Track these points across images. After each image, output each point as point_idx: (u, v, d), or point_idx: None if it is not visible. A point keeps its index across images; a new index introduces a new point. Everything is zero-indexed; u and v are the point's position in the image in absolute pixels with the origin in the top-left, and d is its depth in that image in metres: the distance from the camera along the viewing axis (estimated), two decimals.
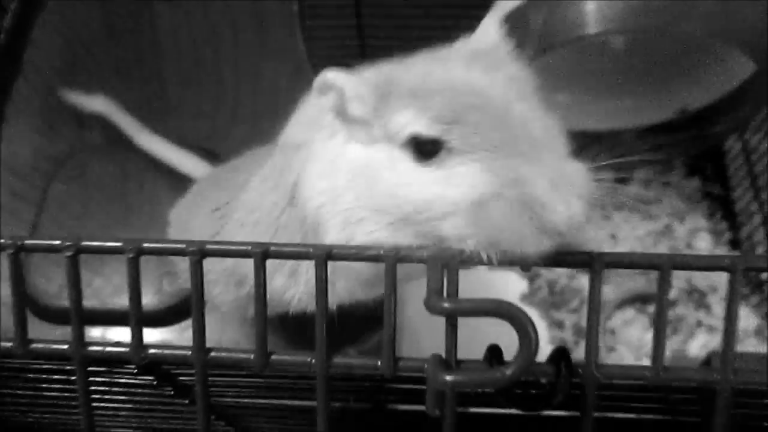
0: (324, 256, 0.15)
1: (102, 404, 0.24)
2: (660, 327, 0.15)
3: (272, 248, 0.16)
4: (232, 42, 0.44)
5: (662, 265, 0.15)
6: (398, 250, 0.15)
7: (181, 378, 0.22)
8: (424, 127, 0.22)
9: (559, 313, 0.62)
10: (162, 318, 0.35)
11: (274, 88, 0.42)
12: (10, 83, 0.44)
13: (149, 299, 0.35)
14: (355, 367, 0.15)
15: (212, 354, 0.17)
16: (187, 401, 0.21)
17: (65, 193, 0.34)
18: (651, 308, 0.65)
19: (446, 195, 0.19)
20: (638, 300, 0.61)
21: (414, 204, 0.20)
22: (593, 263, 0.14)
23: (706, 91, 0.65)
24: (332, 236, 0.21)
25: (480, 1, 0.58)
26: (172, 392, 0.21)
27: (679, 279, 0.63)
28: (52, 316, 0.34)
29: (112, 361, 0.21)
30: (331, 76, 0.24)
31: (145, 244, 0.17)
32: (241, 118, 0.42)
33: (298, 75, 0.43)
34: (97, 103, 0.43)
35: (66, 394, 0.24)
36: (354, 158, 0.22)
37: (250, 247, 0.16)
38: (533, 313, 0.60)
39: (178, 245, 0.17)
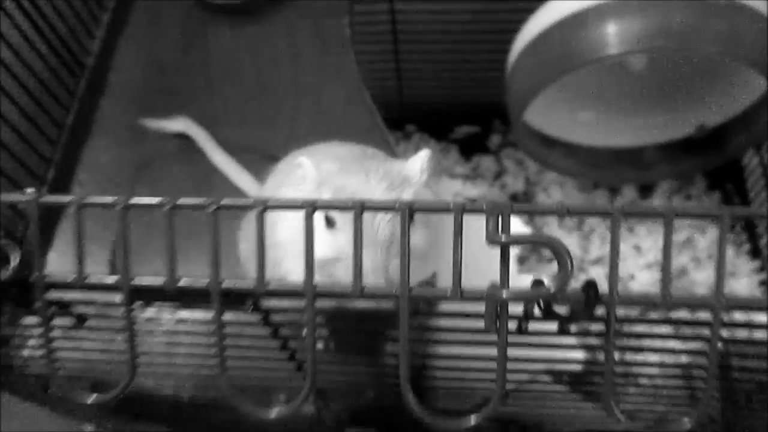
0: (407, 209, 0.20)
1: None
2: (666, 263, 0.20)
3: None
4: (292, 63, 0.50)
5: (668, 215, 0.19)
6: (464, 204, 0.20)
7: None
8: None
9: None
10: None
11: (331, 106, 0.47)
12: (97, 101, 0.50)
13: None
14: (432, 295, 0.20)
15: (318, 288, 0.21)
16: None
17: (147, 194, 0.39)
18: None
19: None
20: None
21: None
22: (614, 213, 0.19)
23: (723, 108, 0.69)
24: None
25: (507, 26, 0.64)
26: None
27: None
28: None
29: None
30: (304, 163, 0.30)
31: (223, 201, 0.21)
32: (299, 134, 0.47)
33: (354, 94, 0.48)
34: (178, 124, 0.48)
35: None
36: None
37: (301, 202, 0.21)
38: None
39: (248, 203, 0.22)
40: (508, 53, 0.65)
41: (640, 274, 0.71)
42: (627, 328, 0.32)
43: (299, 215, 0.28)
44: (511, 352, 0.21)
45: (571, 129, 0.74)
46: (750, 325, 0.23)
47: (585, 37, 0.57)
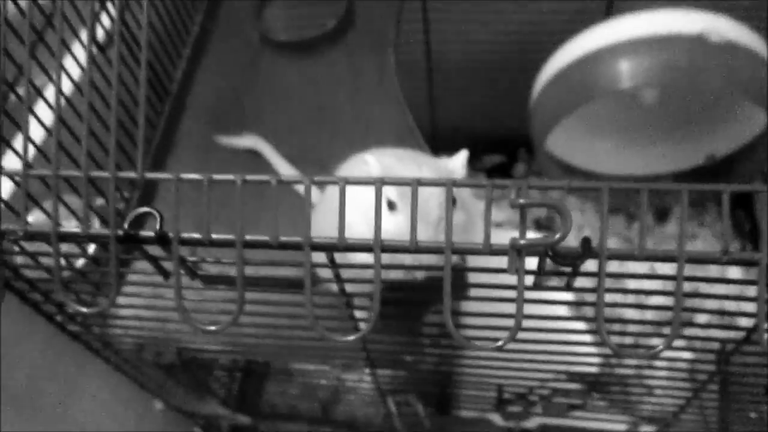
0: (452, 183, 0.27)
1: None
2: (642, 226, 0.27)
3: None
4: (347, 89, 0.58)
5: (641, 190, 0.27)
6: (493, 181, 0.27)
7: None
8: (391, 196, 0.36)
9: None
10: None
11: (381, 125, 0.55)
12: (179, 120, 0.59)
13: None
14: (469, 248, 0.27)
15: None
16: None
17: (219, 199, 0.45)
18: None
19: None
20: None
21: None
22: (602, 188, 0.26)
23: (730, 139, 0.75)
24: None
25: (531, 63, 0.71)
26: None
27: None
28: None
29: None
30: (369, 159, 0.38)
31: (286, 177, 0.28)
32: (354, 150, 0.54)
33: (399, 116, 0.55)
34: (247, 141, 0.54)
35: None
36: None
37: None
38: None
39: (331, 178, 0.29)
40: (532, 87, 0.73)
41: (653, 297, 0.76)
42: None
43: (365, 199, 0.36)
44: (528, 309, 0.28)
45: (590, 158, 0.81)
46: (706, 279, 0.30)
47: (600, 72, 0.64)
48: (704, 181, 0.80)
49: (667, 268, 0.72)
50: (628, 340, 0.69)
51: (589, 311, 0.73)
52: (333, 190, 0.46)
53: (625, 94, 0.71)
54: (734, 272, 0.75)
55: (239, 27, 0.64)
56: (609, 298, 0.70)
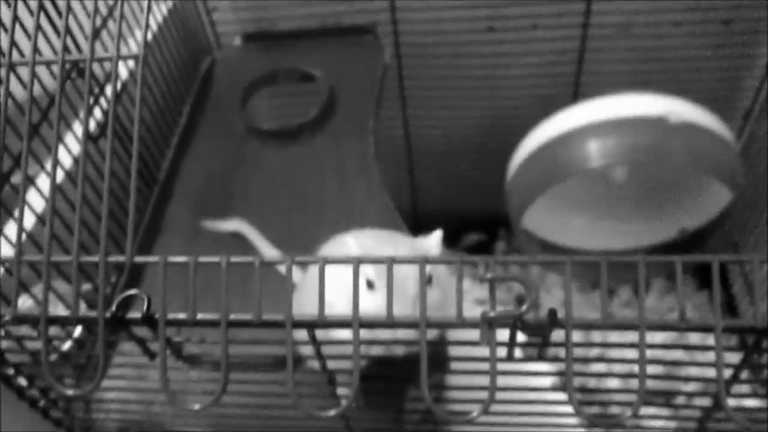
0: (424, 261, 0.29)
1: None
2: (603, 295, 0.28)
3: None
4: (330, 175, 0.60)
5: (600, 261, 0.28)
6: (462, 257, 0.29)
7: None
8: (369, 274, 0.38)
9: None
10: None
11: (363, 210, 0.57)
12: (166, 206, 0.61)
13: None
14: (443, 320, 0.29)
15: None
16: None
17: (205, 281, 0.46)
18: None
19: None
20: None
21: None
22: (566, 261, 0.28)
23: (699, 213, 0.78)
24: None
25: (506, 146, 0.74)
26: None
27: None
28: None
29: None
30: (349, 240, 0.41)
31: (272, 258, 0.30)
32: (337, 232, 0.56)
33: (380, 202, 0.57)
34: (232, 225, 0.56)
35: None
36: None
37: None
38: None
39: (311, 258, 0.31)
40: (507, 168, 0.76)
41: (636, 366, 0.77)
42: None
43: (345, 278, 0.37)
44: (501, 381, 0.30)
45: (566, 234, 0.83)
46: (672, 346, 0.31)
47: (571, 152, 0.67)
48: (678, 252, 0.82)
49: (658, 338, 0.73)
50: (615, 409, 0.69)
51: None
52: (315, 271, 0.47)
53: (596, 173, 0.74)
54: (711, 354, 0.76)
55: (225, 117, 0.67)
56: (595, 368, 0.71)
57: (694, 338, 0.77)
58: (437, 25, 0.72)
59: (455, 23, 0.72)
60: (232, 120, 0.66)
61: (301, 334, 0.32)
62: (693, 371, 0.61)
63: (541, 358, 0.31)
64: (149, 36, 0.62)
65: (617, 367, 0.70)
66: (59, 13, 0.43)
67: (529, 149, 0.72)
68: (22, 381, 0.42)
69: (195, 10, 0.72)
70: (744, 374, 0.33)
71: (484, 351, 0.30)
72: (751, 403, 0.60)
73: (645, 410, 0.68)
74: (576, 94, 0.77)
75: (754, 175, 0.72)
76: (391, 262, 0.29)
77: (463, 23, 0.71)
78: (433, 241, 0.41)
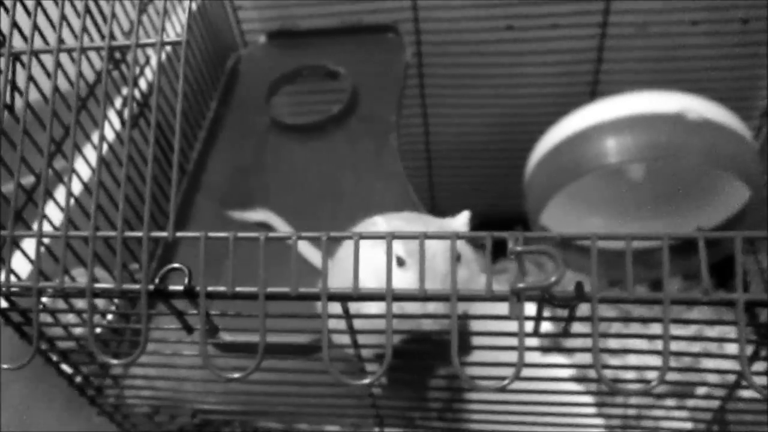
0: (455, 236, 0.30)
1: None
2: (628, 273, 0.29)
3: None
4: (351, 168, 0.61)
5: (626, 240, 0.29)
6: (492, 233, 0.30)
7: None
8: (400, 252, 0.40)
9: None
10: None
11: (384, 203, 0.58)
12: (194, 197, 0.62)
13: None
14: (473, 294, 0.30)
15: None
16: None
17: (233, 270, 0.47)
18: None
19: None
20: None
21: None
22: (591, 237, 0.29)
23: (716, 212, 0.78)
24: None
25: (523, 144, 0.75)
26: None
27: None
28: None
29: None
30: (378, 220, 0.42)
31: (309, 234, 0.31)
32: (357, 224, 0.58)
33: (402, 193, 0.59)
34: (259, 215, 0.57)
35: None
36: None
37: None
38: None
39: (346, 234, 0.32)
40: (525, 166, 0.77)
41: (653, 361, 0.77)
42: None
43: (375, 258, 0.38)
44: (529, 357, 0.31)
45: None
46: (692, 321, 0.32)
47: (588, 150, 0.68)
48: (695, 253, 0.83)
49: (678, 332, 0.73)
50: (631, 411, 0.70)
51: (590, 379, 0.74)
52: (344, 253, 0.48)
53: (613, 171, 0.75)
54: (731, 348, 0.77)
55: (250, 112, 0.69)
56: (610, 373, 0.71)
57: (711, 334, 0.77)
58: (457, 24, 0.73)
59: (475, 22, 0.73)
60: (257, 115, 0.68)
61: (334, 311, 0.33)
62: (710, 364, 0.62)
63: (566, 333, 0.32)
64: (179, 29, 0.64)
65: (632, 361, 0.71)
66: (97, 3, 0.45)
67: (547, 147, 0.73)
68: (58, 357, 0.43)
69: (222, 8, 0.74)
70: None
71: (508, 327, 0.32)
72: (764, 381, 0.60)
73: (664, 402, 0.68)
74: (594, 92, 0.78)
75: None
76: (423, 237, 0.31)
77: (482, 22, 0.73)
78: (460, 221, 0.42)
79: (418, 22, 0.73)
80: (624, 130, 0.67)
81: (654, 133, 0.66)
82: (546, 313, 0.32)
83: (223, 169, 0.64)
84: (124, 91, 0.55)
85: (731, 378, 0.70)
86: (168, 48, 0.48)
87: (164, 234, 0.33)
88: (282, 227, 0.56)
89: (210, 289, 0.32)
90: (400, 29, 0.73)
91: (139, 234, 0.33)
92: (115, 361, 0.33)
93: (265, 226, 0.58)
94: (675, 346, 0.43)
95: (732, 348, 0.78)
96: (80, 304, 0.40)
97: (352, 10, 0.73)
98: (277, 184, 0.62)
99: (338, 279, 0.38)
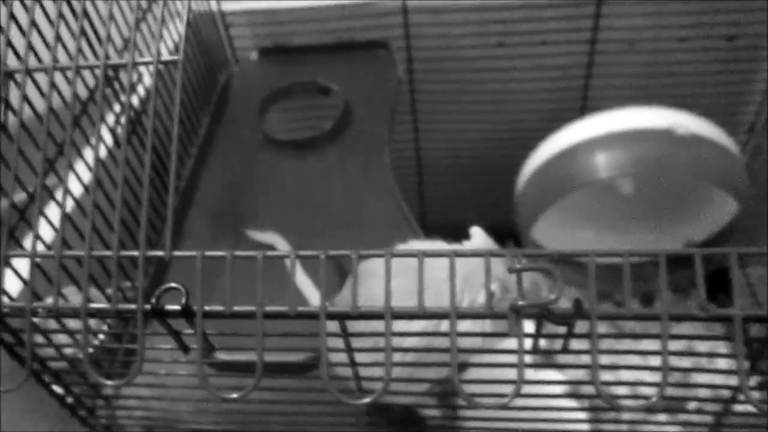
0: (453, 255, 0.30)
1: None
2: (627, 289, 0.29)
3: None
4: (344, 184, 0.61)
5: (623, 257, 0.30)
6: (491, 250, 0.30)
7: None
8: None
9: None
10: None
11: (376, 218, 0.58)
12: (185, 214, 0.62)
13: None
14: (473, 312, 0.30)
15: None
16: None
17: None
18: None
19: None
20: None
21: None
22: (591, 254, 0.29)
23: (705, 225, 0.79)
24: None
25: (514, 160, 0.76)
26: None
27: None
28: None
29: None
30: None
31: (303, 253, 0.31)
32: (349, 240, 0.57)
33: (394, 208, 0.58)
34: (268, 237, 0.57)
35: None
36: None
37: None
38: None
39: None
40: (517, 181, 0.77)
41: (647, 378, 0.77)
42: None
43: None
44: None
45: (574, 246, 0.84)
46: (686, 337, 0.33)
47: (578, 165, 0.68)
48: (685, 267, 0.83)
49: (672, 346, 0.73)
50: (624, 427, 0.70)
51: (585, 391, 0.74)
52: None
53: (603, 185, 0.76)
54: (722, 363, 0.77)
55: (243, 129, 0.68)
56: (605, 377, 0.72)
57: (702, 348, 0.78)
58: (449, 41, 0.74)
59: (466, 38, 0.73)
60: (249, 132, 0.68)
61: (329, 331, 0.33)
62: (704, 379, 0.62)
63: (565, 350, 0.32)
64: (172, 47, 0.64)
65: (625, 376, 0.71)
66: (90, 21, 0.45)
67: (538, 162, 0.73)
68: (50, 378, 0.43)
69: (213, 25, 0.74)
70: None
71: (506, 345, 0.32)
72: (758, 396, 0.61)
73: (658, 417, 0.68)
74: (584, 108, 0.78)
75: (758, 188, 0.73)
76: (421, 255, 0.31)
77: (474, 38, 0.73)
78: (477, 240, 0.42)
79: (409, 39, 0.74)
80: (614, 145, 0.68)
81: (643, 147, 0.67)
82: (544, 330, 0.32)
83: (216, 185, 0.63)
84: (116, 107, 0.55)
85: (724, 392, 0.71)
86: (161, 66, 0.48)
87: (161, 253, 0.33)
88: (286, 249, 0.56)
89: (208, 308, 0.32)
90: (391, 46, 0.73)
91: (135, 253, 0.33)
92: (110, 383, 0.32)
93: (262, 247, 0.57)
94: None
95: (722, 362, 0.78)
96: (72, 323, 0.39)
97: (343, 26, 0.74)
98: (269, 200, 0.62)
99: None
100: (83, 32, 0.34)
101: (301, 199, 0.62)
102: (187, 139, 0.66)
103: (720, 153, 0.68)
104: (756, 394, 0.30)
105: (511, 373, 0.30)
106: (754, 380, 0.62)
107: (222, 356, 0.41)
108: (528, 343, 0.32)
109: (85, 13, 0.44)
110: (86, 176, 0.52)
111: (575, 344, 0.32)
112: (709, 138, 0.67)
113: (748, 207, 0.72)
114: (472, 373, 0.38)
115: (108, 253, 0.33)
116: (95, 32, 0.47)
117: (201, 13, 0.71)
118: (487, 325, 0.39)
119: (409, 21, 0.72)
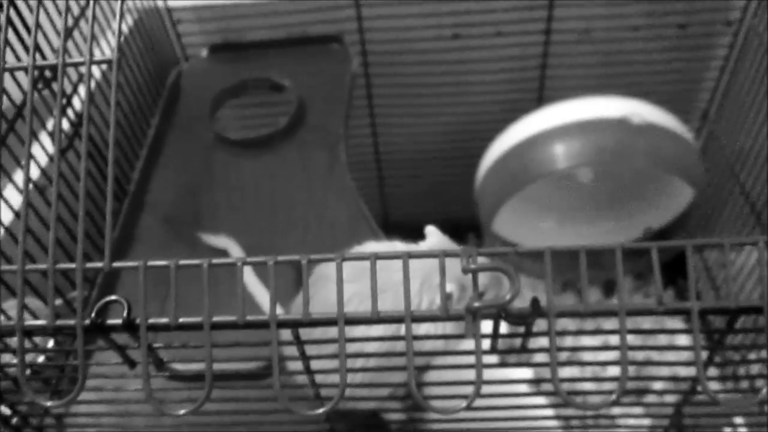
0: (407, 257, 0.29)
1: None
2: (584, 285, 0.29)
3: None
4: (301, 183, 0.60)
5: (579, 251, 0.29)
6: (445, 250, 0.29)
7: None
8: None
9: None
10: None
11: (336, 217, 0.57)
12: (137, 218, 0.60)
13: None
14: (428, 314, 0.29)
15: None
16: None
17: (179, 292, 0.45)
18: None
19: None
20: None
21: None
22: (547, 251, 0.28)
23: (663, 212, 0.80)
24: None
25: (473, 152, 0.75)
26: None
27: None
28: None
29: None
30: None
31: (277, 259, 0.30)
32: (308, 240, 0.56)
33: (353, 207, 0.57)
34: (221, 242, 0.55)
35: None
36: None
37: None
38: None
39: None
40: (476, 173, 0.77)
41: (610, 368, 0.78)
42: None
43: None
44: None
45: (536, 237, 0.84)
46: (653, 331, 0.32)
47: (537, 156, 0.68)
48: (645, 253, 0.84)
49: (629, 338, 0.74)
50: (589, 412, 0.70)
51: (547, 387, 0.74)
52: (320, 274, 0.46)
53: (562, 175, 0.76)
54: (683, 340, 0.78)
55: (194, 128, 0.66)
56: (567, 372, 0.72)
57: (662, 339, 0.79)
58: (403, 33, 0.73)
59: (421, 31, 0.72)
60: (200, 131, 0.66)
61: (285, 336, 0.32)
62: (663, 371, 0.63)
63: (524, 349, 0.31)
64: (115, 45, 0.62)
65: (587, 371, 0.71)
66: (23, 21, 0.42)
67: (496, 154, 0.73)
68: None
69: (160, 23, 0.72)
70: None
71: (466, 346, 0.31)
72: (716, 386, 0.61)
73: (617, 410, 0.69)
74: (540, 98, 0.78)
75: (712, 174, 0.74)
76: (374, 257, 0.30)
77: (428, 31, 0.73)
78: (432, 239, 0.42)
79: (363, 33, 0.72)
80: (571, 136, 0.68)
81: (600, 137, 0.67)
82: (503, 329, 0.31)
83: (168, 187, 0.61)
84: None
85: (683, 372, 0.72)
86: (104, 66, 0.46)
87: (99, 265, 0.31)
88: (237, 255, 0.54)
89: (152, 321, 0.30)
90: (345, 40, 0.72)
91: (72, 266, 0.31)
92: (49, 403, 0.30)
93: (217, 252, 0.56)
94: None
95: (683, 350, 0.79)
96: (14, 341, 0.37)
97: (296, 21, 0.72)
98: (223, 202, 0.60)
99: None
100: (13, 29, 0.32)
101: (255, 200, 0.60)
102: (135, 140, 0.63)
103: (675, 141, 0.68)
104: (713, 386, 0.30)
105: (472, 374, 0.29)
106: (712, 371, 0.62)
107: (172, 368, 0.40)
108: (486, 344, 0.31)
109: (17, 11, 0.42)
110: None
111: (536, 340, 0.32)
112: (664, 126, 0.68)
113: (704, 193, 0.73)
114: (433, 376, 0.37)
115: (43, 267, 0.31)
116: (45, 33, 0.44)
117: (146, 9, 0.69)
118: (448, 327, 0.38)
119: (362, 14, 0.71)
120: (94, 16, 0.30)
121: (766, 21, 0.61)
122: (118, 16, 0.32)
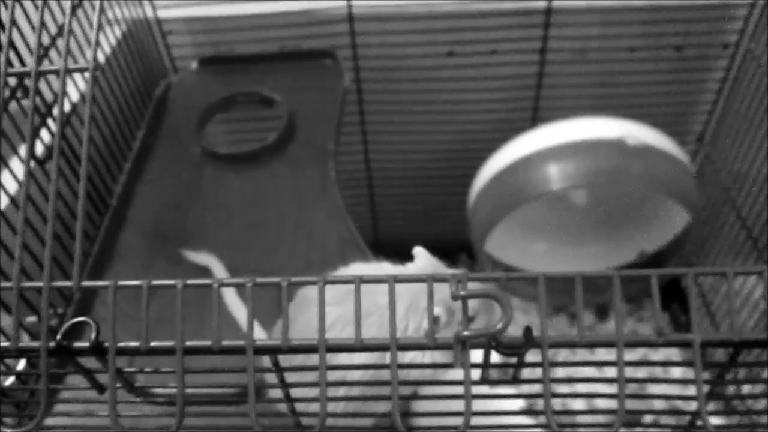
0: (392, 280, 0.27)
1: None
2: (579, 313, 0.27)
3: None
4: (289, 200, 0.58)
5: (575, 277, 0.28)
6: (434, 274, 0.27)
7: None
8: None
9: None
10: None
11: (324, 236, 0.55)
12: (118, 233, 0.58)
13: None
14: (414, 342, 0.27)
15: None
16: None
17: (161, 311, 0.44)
18: None
19: None
20: None
21: None
22: (539, 277, 0.27)
23: (657, 236, 0.79)
24: None
25: (466, 171, 0.74)
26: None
27: None
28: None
29: None
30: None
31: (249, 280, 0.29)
32: (296, 259, 0.55)
33: (341, 226, 0.56)
34: (204, 259, 0.54)
35: None
36: None
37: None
38: None
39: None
40: (469, 193, 0.75)
41: (603, 389, 0.76)
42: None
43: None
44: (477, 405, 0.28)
45: (529, 259, 0.83)
46: (648, 363, 0.31)
47: (531, 176, 0.67)
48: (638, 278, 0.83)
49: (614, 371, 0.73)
50: None
51: (540, 415, 0.72)
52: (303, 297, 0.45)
53: (556, 196, 0.75)
54: (677, 372, 0.77)
55: (180, 141, 0.65)
56: (560, 403, 0.70)
57: (657, 371, 0.77)
58: (397, 50, 0.71)
59: (415, 48, 0.72)
60: (187, 144, 0.64)
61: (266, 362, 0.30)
62: (658, 392, 0.61)
63: (515, 380, 0.30)
64: (101, 57, 0.60)
65: (581, 388, 0.70)
66: (2, 27, 0.41)
67: (490, 174, 0.72)
68: None
69: (150, 34, 0.70)
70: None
71: (455, 374, 0.29)
72: (717, 421, 0.60)
73: None
74: (535, 118, 0.77)
75: (708, 198, 0.73)
76: (358, 281, 0.28)
77: (423, 48, 0.72)
78: (421, 261, 0.40)
79: (356, 48, 0.71)
80: (566, 157, 0.67)
81: (595, 158, 0.66)
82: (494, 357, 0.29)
83: (152, 202, 0.60)
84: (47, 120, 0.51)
85: (679, 404, 0.70)
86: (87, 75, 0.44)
87: (68, 284, 0.29)
88: (220, 274, 0.52)
89: (121, 344, 0.29)
90: (338, 55, 0.71)
91: (39, 284, 0.29)
92: (10, 431, 0.29)
93: (200, 269, 0.54)
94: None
95: (676, 370, 0.78)
96: None
97: (288, 35, 0.71)
98: (210, 217, 0.59)
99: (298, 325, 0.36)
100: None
101: (242, 216, 0.58)
102: (118, 152, 0.62)
103: (671, 163, 0.67)
104: (714, 420, 0.28)
105: (461, 405, 0.28)
106: (713, 405, 0.60)
107: (147, 391, 0.38)
108: (476, 374, 0.30)
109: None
110: (3, 195, 0.48)
111: (528, 364, 0.30)
112: (660, 148, 0.67)
113: (699, 217, 0.72)
114: (420, 406, 0.36)
115: (8, 285, 0.29)
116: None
117: (136, 20, 0.67)
118: (435, 355, 0.37)
119: (355, 29, 0.70)
120: (70, 28, 0.29)
121: (763, 44, 0.60)
122: (95, 27, 0.30)
